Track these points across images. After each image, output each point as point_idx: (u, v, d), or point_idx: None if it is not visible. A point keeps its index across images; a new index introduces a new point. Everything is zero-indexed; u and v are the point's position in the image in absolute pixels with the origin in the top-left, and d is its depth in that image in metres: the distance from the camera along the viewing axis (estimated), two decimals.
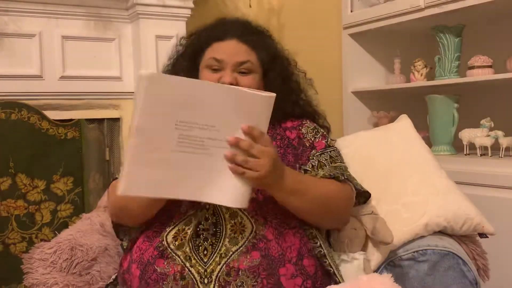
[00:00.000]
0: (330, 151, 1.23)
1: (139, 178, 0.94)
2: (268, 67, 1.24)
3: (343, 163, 1.24)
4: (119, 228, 1.24)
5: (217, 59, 1.19)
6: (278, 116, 1.19)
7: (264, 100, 0.97)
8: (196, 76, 1.23)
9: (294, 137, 1.25)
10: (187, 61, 1.26)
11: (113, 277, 1.24)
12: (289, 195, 1.06)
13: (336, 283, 1.09)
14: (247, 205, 0.98)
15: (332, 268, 1.12)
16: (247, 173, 0.96)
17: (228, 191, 0.97)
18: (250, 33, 1.24)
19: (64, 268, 1.26)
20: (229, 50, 1.19)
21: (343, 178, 1.16)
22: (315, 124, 1.30)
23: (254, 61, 1.21)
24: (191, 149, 0.94)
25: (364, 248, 1.26)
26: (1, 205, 1.90)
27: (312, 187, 1.10)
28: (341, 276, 1.13)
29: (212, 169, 0.96)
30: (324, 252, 1.13)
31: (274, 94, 0.97)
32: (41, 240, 1.90)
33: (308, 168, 1.20)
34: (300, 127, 1.26)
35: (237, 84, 1.16)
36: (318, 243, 1.13)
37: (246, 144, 0.95)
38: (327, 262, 1.12)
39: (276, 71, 1.26)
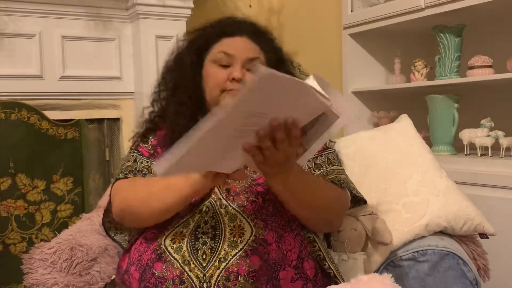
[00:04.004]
0: (328, 153, 1.22)
1: (184, 164, 0.85)
2: (273, 68, 1.23)
3: (340, 166, 1.23)
4: (107, 225, 1.25)
5: (228, 53, 1.18)
6: None
7: (336, 122, 0.87)
8: (200, 71, 1.22)
9: None
10: (192, 56, 1.24)
11: (113, 277, 1.24)
12: (286, 191, 1.03)
13: (337, 284, 1.09)
14: (231, 171, 0.94)
15: (332, 271, 1.11)
16: (257, 156, 0.88)
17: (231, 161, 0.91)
18: (259, 34, 1.24)
19: (64, 268, 1.25)
20: (241, 46, 1.19)
21: (341, 185, 1.15)
22: None
23: (262, 61, 1.20)
24: (239, 133, 0.84)
25: (364, 248, 1.25)
26: (1, 205, 1.89)
27: (313, 187, 1.07)
28: (342, 278, 1.12)
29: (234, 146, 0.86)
30: (323, 255, 1.12)
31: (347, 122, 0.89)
32: (41, 240, 1.90)
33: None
34: None
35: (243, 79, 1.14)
36: (317, 247, 1.13)
37: (281, 135, 0.85)
38: (327, 265, 1.12)
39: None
